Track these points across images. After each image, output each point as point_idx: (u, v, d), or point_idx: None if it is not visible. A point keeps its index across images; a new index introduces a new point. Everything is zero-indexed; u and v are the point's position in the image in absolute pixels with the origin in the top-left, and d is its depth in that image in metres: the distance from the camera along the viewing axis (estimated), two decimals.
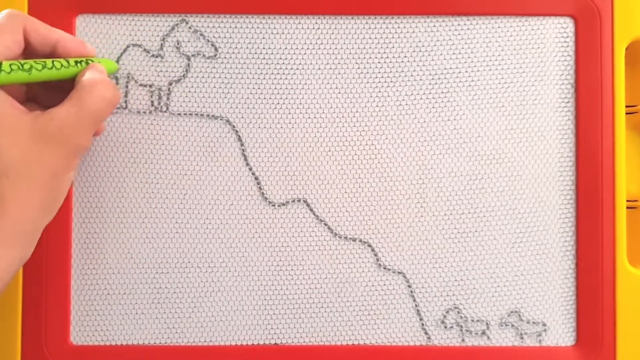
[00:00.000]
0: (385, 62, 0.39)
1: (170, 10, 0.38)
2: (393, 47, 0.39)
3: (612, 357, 0.38)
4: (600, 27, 0.38)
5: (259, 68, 0.39)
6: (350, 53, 0.39)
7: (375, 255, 0.39)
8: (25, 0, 0.38)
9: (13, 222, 0.30)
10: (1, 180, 0.30)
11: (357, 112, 0.39)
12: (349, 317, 0.39)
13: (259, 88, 0.39)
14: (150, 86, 0.39)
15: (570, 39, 0.39)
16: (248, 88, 0.39)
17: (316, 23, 0.39)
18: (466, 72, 0.39)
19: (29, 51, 0.33)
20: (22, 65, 0.31)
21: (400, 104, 0.39)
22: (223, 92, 0.39)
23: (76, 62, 0.33)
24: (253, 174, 0.39)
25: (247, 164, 0.39)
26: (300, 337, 0.39)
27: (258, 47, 0.39)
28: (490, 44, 0.39)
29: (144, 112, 0.39)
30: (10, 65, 0.30)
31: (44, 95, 0.35)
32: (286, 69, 0.39)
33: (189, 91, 0.39)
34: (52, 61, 0.32)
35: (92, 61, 0.34)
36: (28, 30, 0.32)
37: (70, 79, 0.33)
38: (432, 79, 0.39)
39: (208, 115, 0.39)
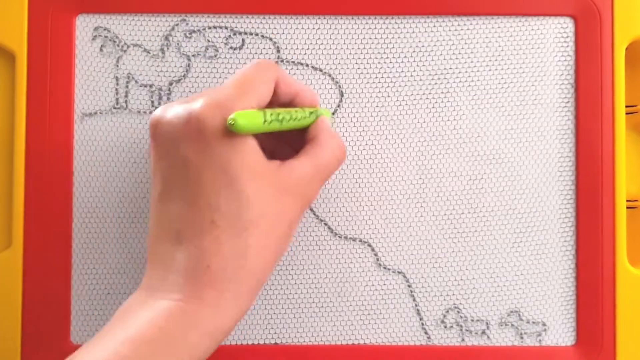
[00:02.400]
0: (385, 62, 0.39)
1: (170, 10, 0.39)
2: (393, 47, 0.39)
3: (612, 357, 0.38)
4: (600, 27, 0.38)
5: None
6: (350, 53, 0.39)
7: (375, 255, 0.39)
8: (25, 0, 0.38)
9: (252, 272, 0.30)
10: (248, 231, 0.30)
11: (357, 112, 0.39)
12: (349, 317, 0.39)
13: None
14: (151, 86, 0.39)
15: (570, 39, 0.39)
16: None
17: (316, 23, 0.39)
18: (466, 72, 0.39)
19: (271, 100, 0.33)
20: (277, 116, 0.31)
21: (400, 104, 0.39)
22: None
23: (310, 113, 0.34)
24: None
25: None
26: (300, 337, 0.39)
27: (258, 47, 0.39)
28: (490, 44, 0.39)
29: (144, 112, 0.39)
30: (270, 115, 0.30)
31: (270, 141, 0.34)
32: (286, 68, 0.39)
33: (189, 91, 0.39)
34: (296, 112, 0.32)
35: (319, 112, 0.34)
36: (278, 82, 0.32)
37: (300, 128, 0.33)
38: (432, 79, 0.39)
39: None
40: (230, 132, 0.29)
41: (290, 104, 0.34)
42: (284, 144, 0.35)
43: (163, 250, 0.30)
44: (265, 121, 0.30)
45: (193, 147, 0.29)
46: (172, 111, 0.30)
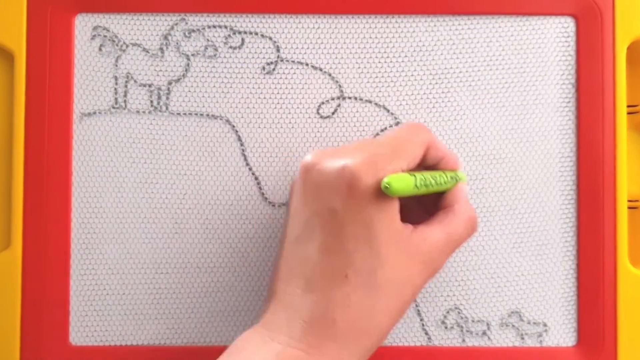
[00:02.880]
0: (385, 62, 0.39)
1: (169, 10, 0.38)
2: (393, 46, 0.39)
3: (614, 357, 0.38)
4: (601, 26, 0.38)
5: (259, 68, 0.39)
6: (350, 53, 0.39)
7: None
8: (25, 0, 0.38)
9: (373, 333, 0.30)
10: (378, 292, 0.30)
11: (357, 112, 0.39)
12: None
13: (259, 88, 0.39)
14: (150, 86, 0.39)
15: (571, 39, 0.39)
16: (248, 88, 0.39)
17: (316, 22, 0.39)
18: (466, 72, 0.39)
19: (419, 163, 0.33)
20: (425, 181, 0.31)
21: (400, 104, 0.39)
22: (223, 92, 0.39)
23: (451, 178, 0.34)
24: (253, 174, 0.39)
25: (247, 164, 0.39)
26: None
27: (258, 47, 0.39)
28: (491, 44, 0.39)
29: (144, 112, 0.39)
30: (420, 180, 0.31)
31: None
32: (286, 68, 0.39)
33: (189, 91, 0.39)
34: (440, 176, 0.33)
35: (459, 177, 0.34)
36: (429, 147, 0.33)
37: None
38: (432, 79, 0.39)
39: (208, 115, 0.39)
40: (380, 192, 0.29)
41: (434, 167, 0.34)
42: (414, 200, 0.35)
43: (290, 294, 0.31)
44: (416, 186, 0.30)
45: (342, 199, 0.30)
46: (328, 160, 0.31)
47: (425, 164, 0.34)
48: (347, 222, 0.30)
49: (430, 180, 0.32)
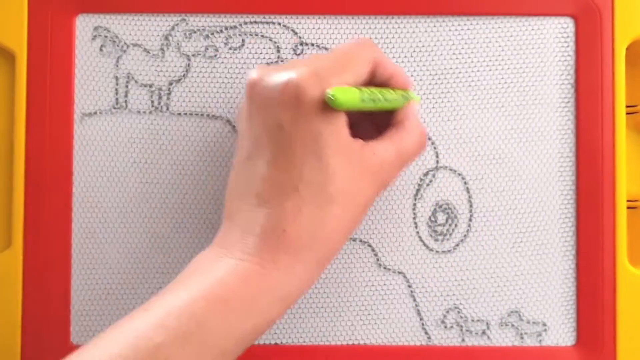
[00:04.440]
0: None
1: (170, 10, 0.38)
2: (393, 47, 0.39)
3: (613, 357, 0.38)
4: (600, 27, 0.38)
5: None
6: None
7: (375, 255, 0.39)
8: (25, 0, 0.38)
9: (326, 244, 0.30)
10: (329, 204, 0.30)
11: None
12: (349, 317, 0.39)
13: None
14: (151, 86, 0.39)
15: (571, 39, 0.39)
16: None
17: (316, 23, 0.39)
18: (466, 72, 0.39)
19: (366, 80, 0.33)
20: (372, 95, 0.31)
21: None
22: (223, 92, 0.39)
23: (402, 96, 0.33)
24: None
25: None
26: (300, 337, 0.39)
27: (258, 47, 0.39)
28: (491, 44, 0.39)
29: (144, 112, 0.39)
30: (367, 93, 0.31)
31: (353, 114, 0.35)
32: None
33: (189, 91, 0.39)
34: (389, 93, 0.32)
35: (410, 96, 0.34)
36: (376, 62, 0.33)
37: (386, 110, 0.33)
38: (432, 79, 0.39)
39: (208, 115, 0.39)
40: (326, 105, 0.29)
41: (384, 84, 0.34)
42: (365, 119, 0.35)
43: (242, 210, 0.31)
44: (362, 100, 0.30)
45: (288, 113, 0.30)
46: (272, 75, 0.30)
47: (373, 82, 0.33)
48: (294, 135, 0.30)
49: (377, 96, 0.31)
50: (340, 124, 0.30)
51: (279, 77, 0.30)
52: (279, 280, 0.29)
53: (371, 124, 0.35)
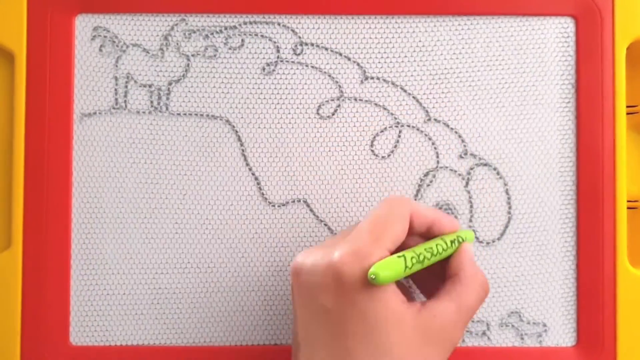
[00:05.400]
0: (385, 62, 0.39)
1: (169, 10, 0.38)
2: (393, 47, 0.39)
3: (613, 357, 0.38)
4: (601, 27, 0.38)
5: (259, 68, 0.39)
6: (350, 53, 0.39)
7: None
8: (25, 0, 0.38)
9: None
10: None
11: (357, 112, 0.39)
12: None
13: (258, 88, 0.39)
14: (150, 86, 0.39)
15: (571, 39, 0.39)
16: (248, 88, 0.39)
17: (316, 23, 0.39)
18: (466, 72, 0.39)
19: (408, 233, 0.32)
20: (418, 257, 0.30)
21: (400, 104, 0.39)
22: (223, 92, 0.39)
23: (452, 242, 0.33)
24: (253, 174, 0.39)
25: (247, 164, 0.39)
26: None
27: (258, 47, 0.39)
28: (491, 44, 0.39)
29: (144, 112, 0.39)
30: (411, 259, 0.30)
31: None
32: (286, 68, 0.39)
33: (189, 91, 0.39)
34: (436, 245, 0.32)
35: (462, 238, 0.33)
36: (412, 216, 0.32)
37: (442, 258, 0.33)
38: (432, 79, 0.39)
39: (208, 115, 0.39)
40: (370, 283, 0.29)
41: (427, 233, 0.33)
42: (426, 272, 0.34)
43: None
44: (406, 268, 0.29)
45: (332, 297, 0.29)
46: (312, 259, 0.30)
47: (415, 233, 0.33)
48: (342, 318, 0.29)
49: (424, 255, 0.31)
50: (388, 295, 0.29)
51: (319, 261, 0.30)
52: None
53: (433, 275, 0.34)
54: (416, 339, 0.29)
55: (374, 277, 0.28)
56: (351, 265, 0.29)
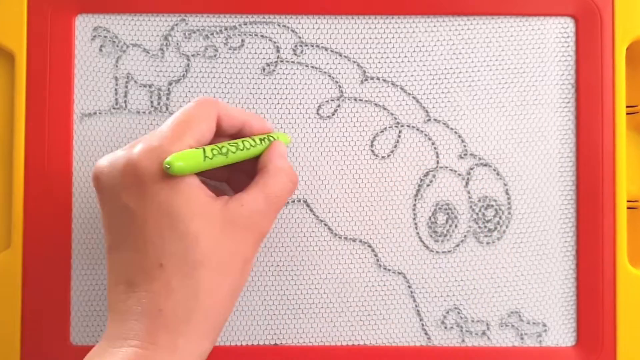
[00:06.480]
0: (385, 62, 0.39)
1: (169, 10, 0.38)
2: (393, 47, 0.39)
3: (613, 357, 0.38)
4: (600, 27, 0.38)
5: (259, 68, 0.39)
6: (350, 53, 0.39)
7: (375, 255, 0.39)
8: (25, 0, 0.38)
9: (206, 312, 0.30)
10: (197, 270, 0.29)
11: (357, 112, 0.39)
12: (349, 317, 0.39)
13: (258, 88, 0.39)
14: (150, 86, 0.39)
15: (571, 39, 0.39)
16: (248, 88, 0.39)
17: (316, 23, 0.39)
18: (466, 72, 0.39)
19: (217, 134, 0.32)
20: (220, 149, 0.31)
21: (400, 104, 0.39)
22: (223, 93, 0.39)
23: (261, 140, 0.33)
24: None
25: None
26: (300, 338, 0.39)
27: (258, 47, 0.39)
28: (490, 44, 0.39)
29: (144, 112, 0.39)
30: (211, 150, 0.30)
31: (224, 172, 0.34)
32: (286, 68, 0.39)
33: (189, 91, 0.39)
34: (243, 142, 0.32)
35: (273, 137, 0.34)
36: (221, 116, 0.32)
37: (253, 157, 0.33)
38: (432, 79, 0.39)
39: None
40: (168, 175, 0.29)
41: (238, 135, 0.34)
42: (240, 173, 0.35)
43: (118, 299, 0.30)
44: (206, 158, 0.30)
45: (133, 194, 0.29)
46: (111, 159, 0.30)
47: (225, 134, 0.33)
48: (145, 214, 0.29)
49: (229, 148, 0.31)
50: (190, 188, 0.30)
51: (118, 160, 0.30)
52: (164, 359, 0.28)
53: (245, 175, 0.35)
54: (224, 228, 0.30)
55: (168, 166, 0.28)
56: (149, 159, 0.29)
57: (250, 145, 0.33)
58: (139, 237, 0.29)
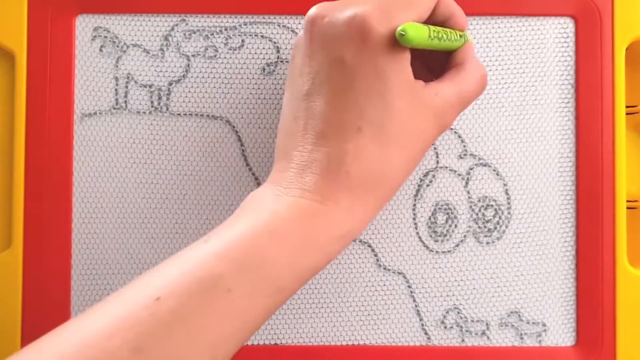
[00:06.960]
0: None
1: (170, 10, 0.38)
2: None
3: (612, 357, 0.38)
4: (600, 27, 0.38)
5: (259, 69, 0.39)
6: None
7: (375, 255, 0.39)
8: (25, 0, 0.38)
9: (386, 183, 0.30)
10: (390, 144, 0.29)
11: None
12: (349, 318, 0.39)
13: (258, 88, 0.39)
14: (150, 86, 0.39)
15: (571, 39, 0.39)
16: (248, 89, 0.39)
17: None
18: None
19: (427, 19, 0.32)
20: (438, 34, 0.30)
21: None
22: (223, 92, 0.39)
23: (460, 36, 0.33)
24: (253, 174, 0.39)
25: (247, 164, 0.39)
26: (300, 337, 0.39)
27: (258, 47, 0.39)
28: (491, 44, 0.39)
29: (144, 112, 0.39)
30: (433, 31, 0.30)
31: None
32: (286, 68, 0.39)
33: (189, 91, 0.39)
34: (451, 32, 0.32)
35: (467, 38, 0.34)
36: (439, 1, 0.32)
37: (446, 50, 0.33)
38: None
39: (208, 116, 0.39)
40: (392, 42, 0.28)
41: (443, 24, 0.33)
42: (421, 63, 0.34)
43: (299, 149, 0.30)
44: (429, 37, 0.29)
45: (353, 48, 0.29)
46: (336, 10, 0.30)
47: (434, 20, 0.32)
48: (358, 73, 0.29)
49: (442, 34, 0.31)
50: (405, 63, 0.29)
51: (345, 12, 0.29)
52: (339, 218, 0.29)
53: (423, 65, 0.34)
54: (418, 111, 0.30)
55: (403, 33, 0.27)
56: (379, 20, 0.28)
57: (455, 38, 0.32)
58: (345, 92, 0.29)
